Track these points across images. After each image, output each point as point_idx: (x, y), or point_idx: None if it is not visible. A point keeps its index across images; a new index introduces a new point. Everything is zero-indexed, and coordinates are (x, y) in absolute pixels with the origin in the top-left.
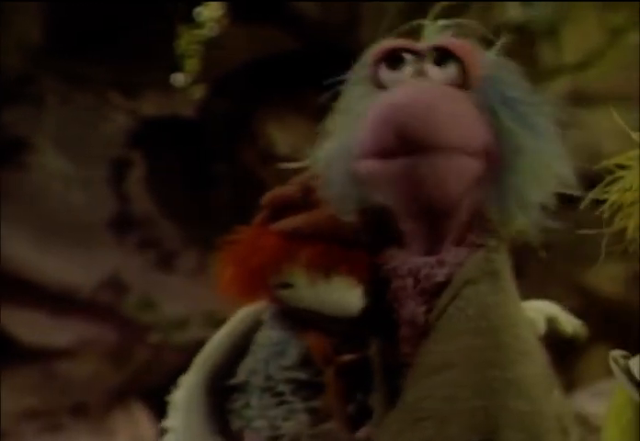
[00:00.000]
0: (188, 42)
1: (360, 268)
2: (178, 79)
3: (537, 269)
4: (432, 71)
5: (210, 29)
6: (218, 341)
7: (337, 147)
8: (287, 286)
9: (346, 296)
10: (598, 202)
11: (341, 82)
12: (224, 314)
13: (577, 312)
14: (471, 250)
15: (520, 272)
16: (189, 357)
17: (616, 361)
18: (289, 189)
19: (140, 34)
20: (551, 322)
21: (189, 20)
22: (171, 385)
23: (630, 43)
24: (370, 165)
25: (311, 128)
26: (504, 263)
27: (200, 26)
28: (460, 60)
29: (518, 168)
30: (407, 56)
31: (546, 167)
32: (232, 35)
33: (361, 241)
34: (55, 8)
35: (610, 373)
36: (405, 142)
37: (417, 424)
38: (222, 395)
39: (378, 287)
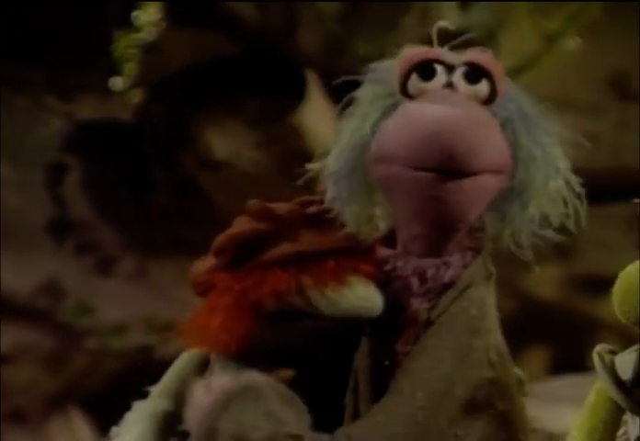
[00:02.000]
0: (125, 46)
1: (372, 270)
2: (116, 83)
3: None
4: (461, 84)
5: (147, 33)
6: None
7: (348, 149)
8: (298, 312)
9: (369, 297)
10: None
11: (282, 87)
12: (164, 320)
13: (514, 315)
14: (473, 253)
15: None
16: (128, 363)
17: (601, 357)
18: (250, 225)
19: (77, 37)
20: None
21: (127, 24)
22: (109, 391)
23: (564, 49)
24: (395, 171)
25: (249, 133)
26: (493, 267)
27: (137, 29)
28: (491, 76)
29: (527, 180)
30: (439, 67)
31: (552, 179)
32: (170, 39)
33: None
34: None
35: (548, 374)
36: (449, 162)
37: (409, 413)
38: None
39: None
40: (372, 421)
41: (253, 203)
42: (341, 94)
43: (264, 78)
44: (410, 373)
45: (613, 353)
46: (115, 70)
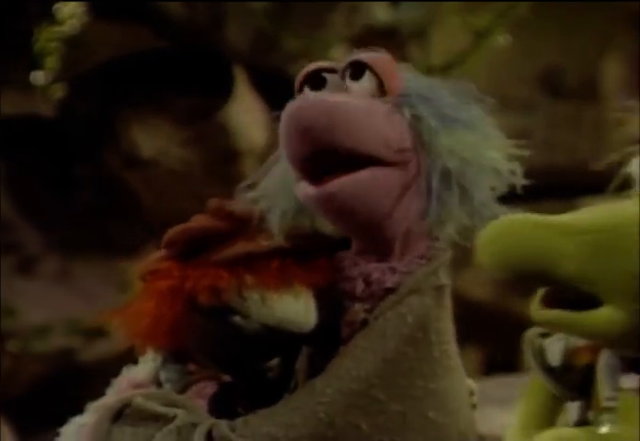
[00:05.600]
0: (46, 39)
1: (319, 280)
2: (38, 77)
3: None
4: (352, 86)
5: (70, 26)
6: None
7: (280, 174)
8: (232, 312)
9: (306, 313)
10: None
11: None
12: (87, 322)
13: None
14: (421, 261)
15: None
16: (50, 367)
17: (531, 342)
18: (207, 222)
19: None
20: None
21: (49, 17)
22: (32, 395)
23: (493, 45)
24: (302, 190)
25: (176, 130)
26: (448, 279)
27: (59, 22)
28: (374, 70)
29: (456, 170)
30: (328, 76)
31: (489, 160)
32: (93, 32)
33: (319, 246)
34: None
35: (480, 375)
36: (313, 143)
37: (311, 408)
38: None
39: (330, 292)
40: (273, 411)
41: (212, 201)
42: (269, 90)
43: (191, 74)
44: (328, 371)
45: (546, 335)
46: (36, 64)
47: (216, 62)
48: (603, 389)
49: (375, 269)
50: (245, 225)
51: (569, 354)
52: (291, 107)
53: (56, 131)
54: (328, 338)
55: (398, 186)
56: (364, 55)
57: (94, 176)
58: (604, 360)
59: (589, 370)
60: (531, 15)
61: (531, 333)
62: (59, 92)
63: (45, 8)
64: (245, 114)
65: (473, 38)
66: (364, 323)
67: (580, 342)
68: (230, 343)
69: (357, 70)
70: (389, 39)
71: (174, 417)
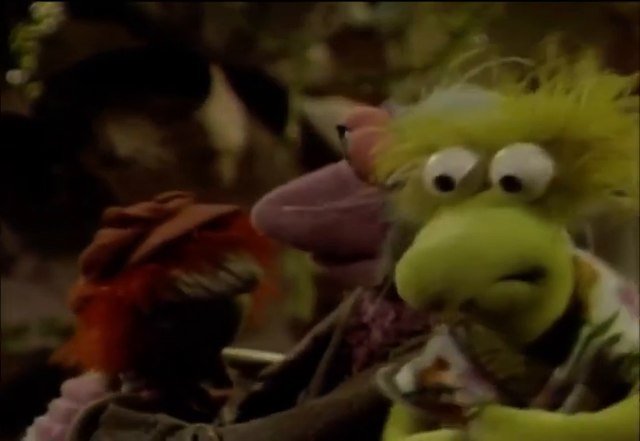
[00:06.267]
0: (23, 39)
1: (244, 236)
2: (15, 77)
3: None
4: None
5: (46, 26)
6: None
7: None
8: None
9: (247, 270)
10: None
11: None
12: (65, 322)
13: None
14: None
15: None
16: (27, 367)
17: (384, 377)
18: (112, 234)
19: None
20: None
21: (26, 16)
22: (7, 396)
23: (469, 45)
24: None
25: (153, 129)
26: None
27: (36, 22)
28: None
29: None
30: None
31: None
32: (71, 32)
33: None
34: None
35: None
36: None
37: (305, 431)
38: None
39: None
40: (264, 423)
41: (108, 211)
42: (247, 90)
43: (169, 74)
44: (330, 396)
45: (394, 371)
46: (13, 63)
47: (194, 62)
48: (462, 399)
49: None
50: (150, 223)
51: (419, 376)
52: None
53: (32, 131)
54: (343, 359)
55: None
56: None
57: (71, 176)
58: (457, 371)
59: (443, 387)
60: (507, 14)
61: (383, 370)
62: (35, 91)
63: (22, 7)
64: (223, 113)
65: (449, 38)
66: (384, 356)
67: (427, 362)
68: (185, 335)
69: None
70: (367, 39)
71: (155, 422)
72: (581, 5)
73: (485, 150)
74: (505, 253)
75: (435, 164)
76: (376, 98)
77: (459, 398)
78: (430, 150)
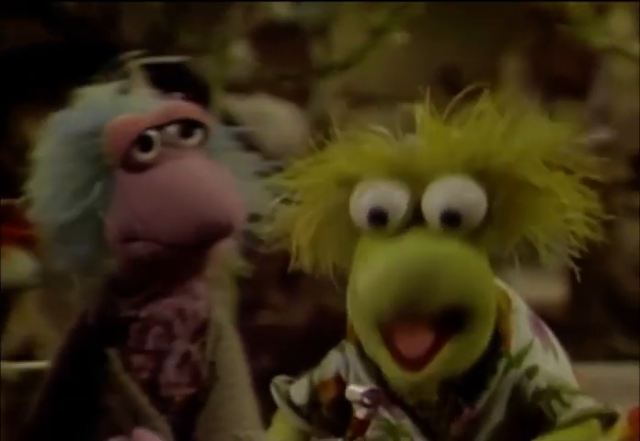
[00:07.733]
0: None
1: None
2: None
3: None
4: (180, 141)
5: None
6: None
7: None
8: None
9: (13, 270)
10: None
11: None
12: None
13: (314, 327)
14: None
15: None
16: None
17: (277, 386)
18: None
19: None
20: None
21: None
22: None
23: (390, 43)
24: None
25: None
26: None
27: None
28: (204, 126)
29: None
30: (153, 133)
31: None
32: None
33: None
34: None
35: None
36: (213, 233)
37: None
38: None
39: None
40: None
41: None
42: (166, 85)
43: (87, 69)
44: (205, 419)
45: (291, 382)
46: None
47: (112, 57)
48: (361, 414)
49: (184, 303)
50: None
51: (315, 389)
52: (176, 182)
53: None
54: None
55: None
56: (190, 110)
57: None
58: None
59: (338, 404)
60: (428, 13)
61: (277, 379)
62: None
63: None
64: None
65: (370, 35)
66: (204, 362)
67: (326, 376)
68: None
69: (188, 126)
70: (290, 36)
71: None
72: (503, 5)
73: (413, 181)
74: (449, 288)
75: (367, 198)
76: (299, 95)
77: (359, 413)
78: (353, 181)
